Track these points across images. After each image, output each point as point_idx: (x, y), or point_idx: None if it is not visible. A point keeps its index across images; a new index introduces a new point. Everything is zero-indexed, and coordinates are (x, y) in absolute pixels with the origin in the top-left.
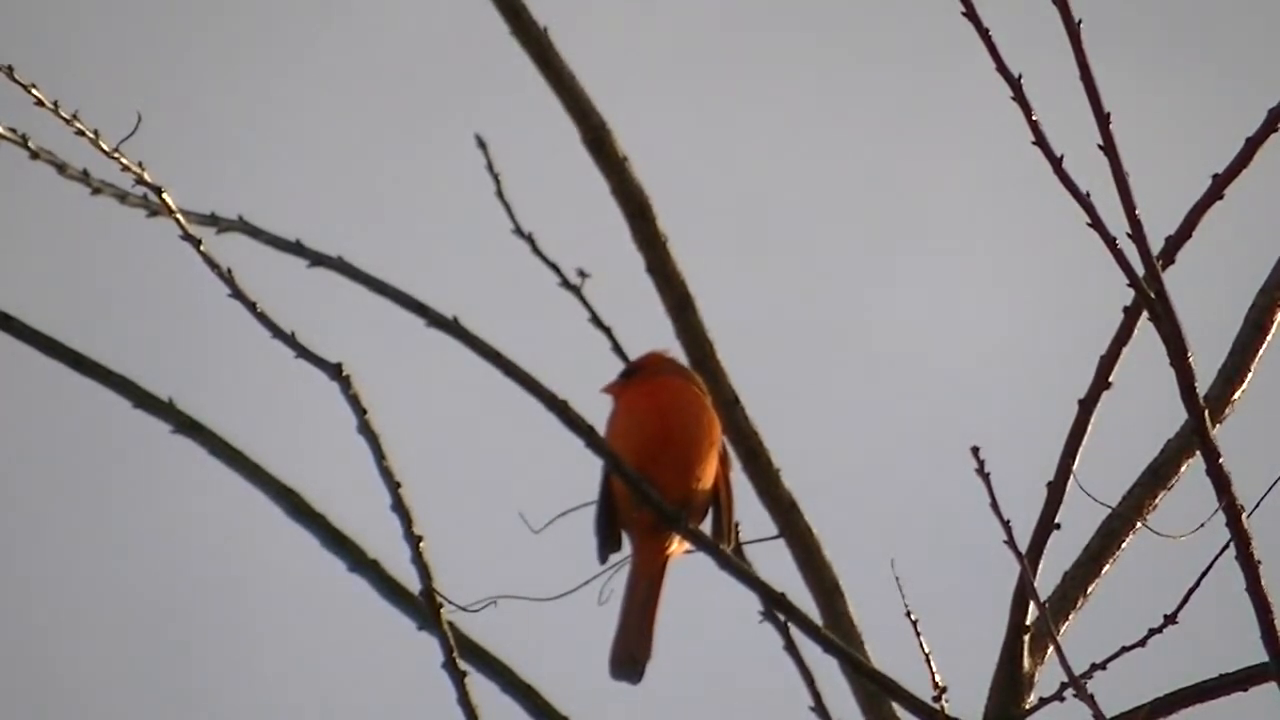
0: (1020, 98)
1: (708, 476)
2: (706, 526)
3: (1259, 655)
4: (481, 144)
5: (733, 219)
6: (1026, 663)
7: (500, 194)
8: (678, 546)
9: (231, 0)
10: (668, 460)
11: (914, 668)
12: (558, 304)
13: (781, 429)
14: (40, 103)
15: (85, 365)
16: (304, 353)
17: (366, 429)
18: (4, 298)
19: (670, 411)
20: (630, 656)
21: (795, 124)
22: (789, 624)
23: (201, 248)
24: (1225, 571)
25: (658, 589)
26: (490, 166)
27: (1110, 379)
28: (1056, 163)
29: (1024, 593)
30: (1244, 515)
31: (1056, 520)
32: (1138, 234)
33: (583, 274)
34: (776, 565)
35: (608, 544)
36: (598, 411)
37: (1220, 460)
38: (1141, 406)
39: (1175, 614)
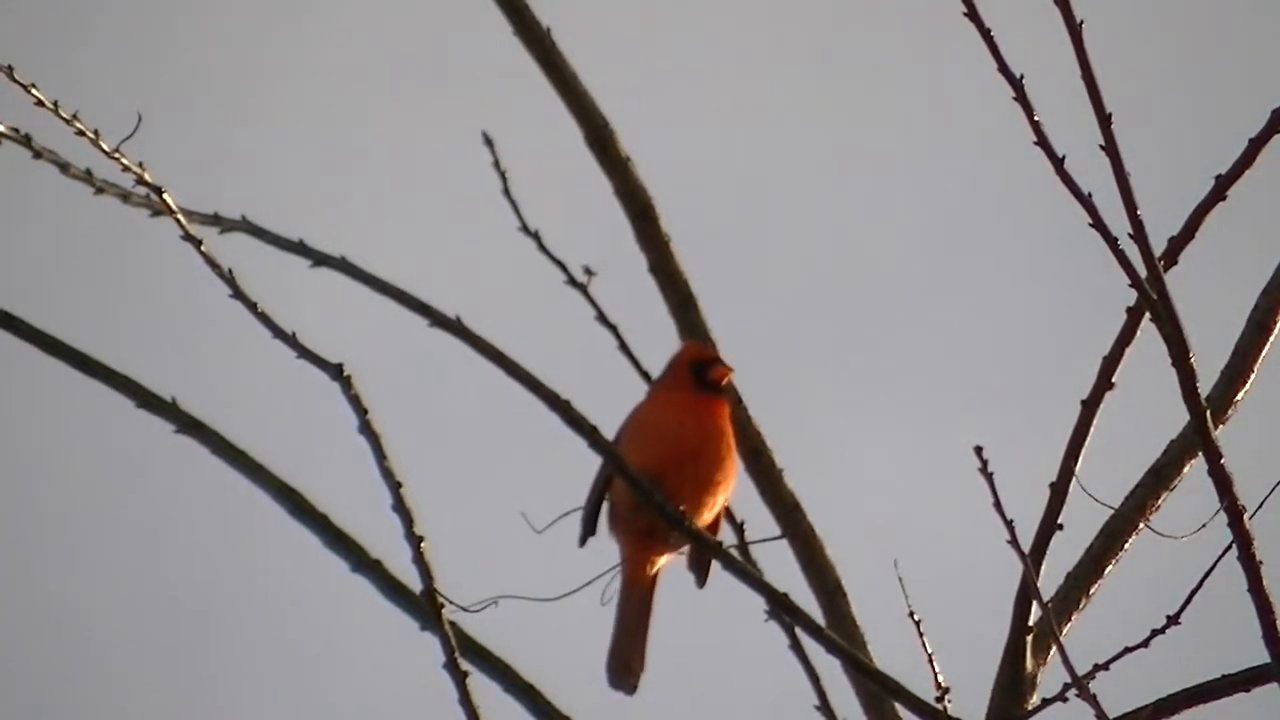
0: (1022, 98)
1: (715, 508)
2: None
3: (1261, 656)
4: (488, 141)
5: (735, 219)
6: (1029, 663)
7: (507, 191)
8: (665, 561)
9: (231, 0)
10: (697, 479)
11: (917, 668)
12: (563, 302)
13: (784, 429)
14: (40, 103)
15: (88, 365)
16: (305, 353)
17: (368, 429)
18: (7, 297)
19: (721, 438)
20: (626, 669)
21: (797, 124)
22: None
23: (203, 248)
24: (1227, 572)
25: (649, 602)
26: (497, 164)
27: (1113, 379)
28: (1058, 163)
29: (1027, 593)
30: (1246, 516)
31: (1059, 520)
32: (1140, 235)
33: (589, 271)
34: (780, 566)
35: (589, 531)
36: (600, 411)
37: (1222, 461)
38: (1144, 407)
39: (1178, 614)
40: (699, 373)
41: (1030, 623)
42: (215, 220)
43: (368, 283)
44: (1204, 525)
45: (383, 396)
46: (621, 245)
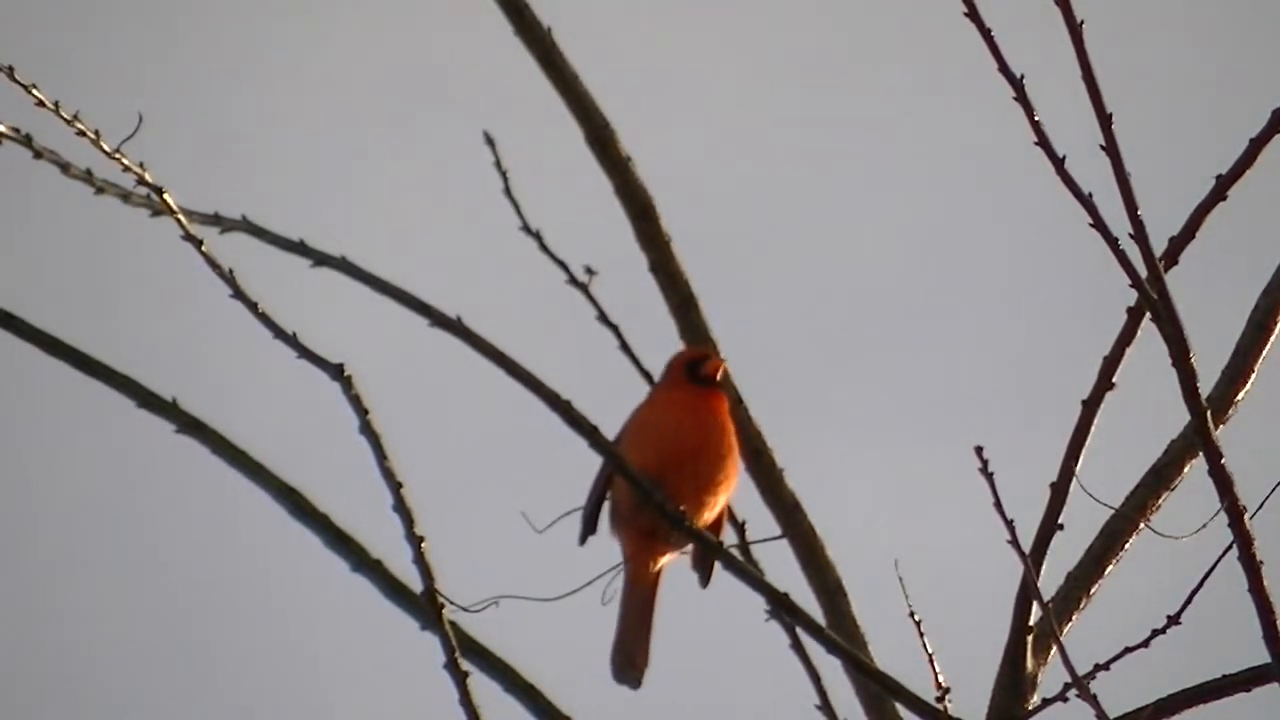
0: (1022, 98)
1: (717, 507)
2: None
3: (1261, 656)
4: (489, 140)
5: (735, 219)
6: (1030, 663)
7: (507, 191)
8: (668, 559)
9: (232, 0)
10: (698, 478)
11: (917, 668)
12: (563, 302)
13: (784, 429)
14: (41, 103)
15: (89, 365)
16: (306, 353)
17: (368, 429)
18: (7, 297)
19: (722, 435)
20: (630, 663)
21: (797, 124)
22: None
23: (203, 248)
24: (1228, 572)
25: (652, 600)
26: (498, 163)
27: (1113, 380)
28: (1059, 163)
29: (1027, 593)
30: (1246, 516)
31: (1060, 521)
32: (1140, 235)
33: (590, 271)
34: (780, 566)
35: (589, 530)
36: (600, 411)
37: (1223, 461)
38: (1144, 407)
39: (1178, 614)
40: (693, 370)
41: (1030, 623)
42: (215, 220)
43: (368, 283)
44: (1204, 525)
45: (383, 396)
46: (621, 245)
